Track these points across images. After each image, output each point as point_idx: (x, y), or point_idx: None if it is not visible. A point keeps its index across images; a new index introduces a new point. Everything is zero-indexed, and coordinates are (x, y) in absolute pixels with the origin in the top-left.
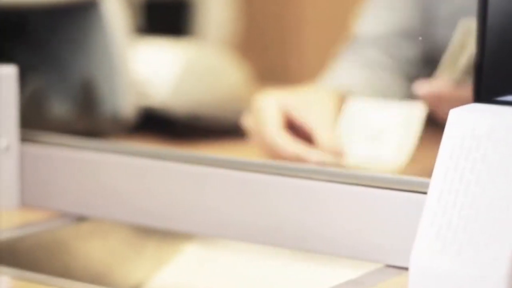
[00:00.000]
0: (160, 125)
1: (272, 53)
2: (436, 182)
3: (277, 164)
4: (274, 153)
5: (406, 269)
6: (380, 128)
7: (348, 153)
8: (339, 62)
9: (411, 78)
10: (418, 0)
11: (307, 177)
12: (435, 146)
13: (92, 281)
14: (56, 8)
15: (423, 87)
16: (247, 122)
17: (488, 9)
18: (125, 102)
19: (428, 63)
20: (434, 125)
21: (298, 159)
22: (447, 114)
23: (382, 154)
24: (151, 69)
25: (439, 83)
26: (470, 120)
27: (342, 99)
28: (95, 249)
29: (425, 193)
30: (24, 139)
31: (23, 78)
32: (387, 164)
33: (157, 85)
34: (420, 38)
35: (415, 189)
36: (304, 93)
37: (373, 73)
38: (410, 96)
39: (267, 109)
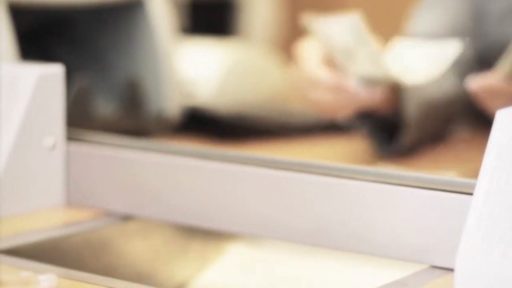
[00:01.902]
0: (205, 125)
1: None
2: (482, 183)
3: (322, 164)
4: (316, 88)
5: (451, 270)
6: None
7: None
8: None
9: (464, 75)
10: None
11: (351, 177)
12: (483, 146)
13: (136, 280)
14: (102, 7)
15: (475, 81)
16: (291, 78)
17: None
18: (170, 102)
19: (480, 60)
20: (483, 125)
21: (337, 88)
22: (498, 109)
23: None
24: (196, 69)
25: (491, 78)
26: None
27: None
28: (139, 248)
29: (471, 194)
30: (70, 138)
31: (70, 77)
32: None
33: (202, 84)
34: (467, 38)
35: (462, 190)
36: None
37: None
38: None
39: (307, 50)
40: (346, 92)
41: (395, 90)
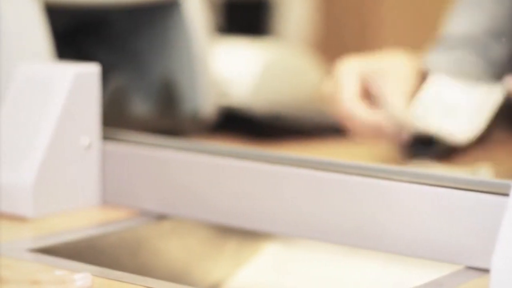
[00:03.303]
0: (240, 125)
1: (352, 52)
2: None
3: (357, 165)
4: (350, 121)
5: (487, 271)
6: (454, 106)
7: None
8: (427, 60)
9: (500, 77)
10: (507, 0)
11: (387, 177)
12: None
13: (171, 279)
14: (139, 7)
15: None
16: (326, 87)
17: None
18: (206, 101)
19: None
20: None
21: (375, 127)
22: None
23: (451, 128)
24: (231, 69)
25: None
26: None
27: (421, 72)
28: (175, 247)
29: (507, 194)
30: (106, 137)
31: (105, 77)
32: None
33: (237, 84)
34: (504, 39)
35: (497, 191)
36: (384, 60)
37: (461, 68)
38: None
39: (346, 76)
40: (382, 133)
41: None
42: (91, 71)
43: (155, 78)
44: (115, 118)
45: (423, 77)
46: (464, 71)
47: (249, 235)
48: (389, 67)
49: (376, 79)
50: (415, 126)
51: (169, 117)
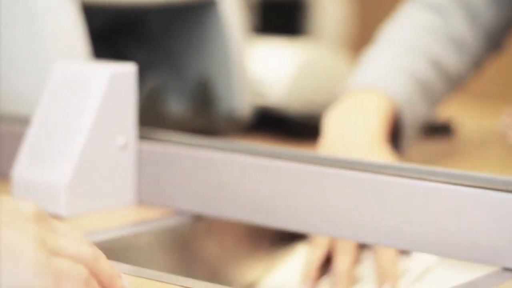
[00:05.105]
0: (276, 125)
1: None
2: None
3: (396, 166)
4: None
5: None
6: None
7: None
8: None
9: (492, 44)
10: None
11: (426, 178)
12: None
13: (207, 279)
14: (175, 7)
15: None
16: None
17: None
18: (241, 101)
19: None
20: None
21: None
22: None
23: None
24: (267, 69)
25: None
26: None
27: None
28: (210, 247)
29: None
30: (142, 136)
31: (142, 76)
32: None
33: (272, 84)
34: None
35: None
36: None
37: (453, 31)
38: None
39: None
40: None
41: None
42: (127, 70)
43: (191, 77)
44: (151, 118)
45: None
46: (454, 34)
47: (284, 235)
48: None
49: None
50: None
51: (205, 117)
